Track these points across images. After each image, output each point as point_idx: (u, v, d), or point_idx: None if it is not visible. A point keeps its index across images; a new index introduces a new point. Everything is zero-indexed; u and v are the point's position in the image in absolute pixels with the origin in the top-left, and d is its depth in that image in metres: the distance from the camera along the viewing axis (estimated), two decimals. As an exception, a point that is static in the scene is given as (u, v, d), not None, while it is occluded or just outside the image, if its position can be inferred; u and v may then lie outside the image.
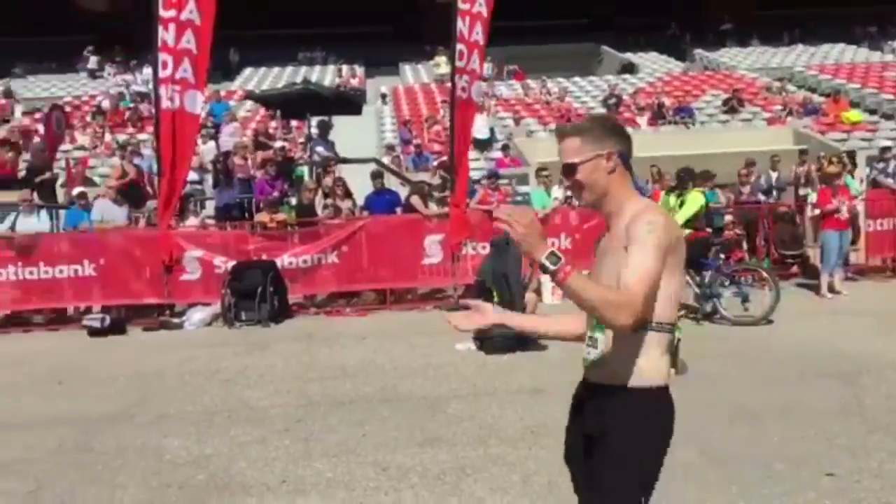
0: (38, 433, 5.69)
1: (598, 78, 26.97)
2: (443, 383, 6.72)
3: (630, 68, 29.10)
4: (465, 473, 4.55)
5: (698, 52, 31.01)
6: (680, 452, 4.71)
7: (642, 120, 20.45)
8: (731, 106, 21.35)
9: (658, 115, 20.56)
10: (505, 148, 17.36)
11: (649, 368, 2.34)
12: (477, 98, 10.99)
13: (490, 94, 21.50)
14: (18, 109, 23.36)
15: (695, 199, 9.25)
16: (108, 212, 11.06)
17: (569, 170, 2.48)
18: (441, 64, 25.69)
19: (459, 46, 10.61)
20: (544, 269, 2.23)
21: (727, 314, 9.01)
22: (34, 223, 10.93)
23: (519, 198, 14.20)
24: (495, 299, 7.93)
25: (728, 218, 12.02)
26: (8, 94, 24.56)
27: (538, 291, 9.68)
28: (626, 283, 2.24)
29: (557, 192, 11.82)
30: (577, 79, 26.38)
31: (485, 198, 11.72)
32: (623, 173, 2.46)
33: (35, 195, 11.78)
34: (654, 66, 29.84)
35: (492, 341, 7.74)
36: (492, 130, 19.06)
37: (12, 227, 10.84)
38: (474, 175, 15.66)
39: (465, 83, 10.71)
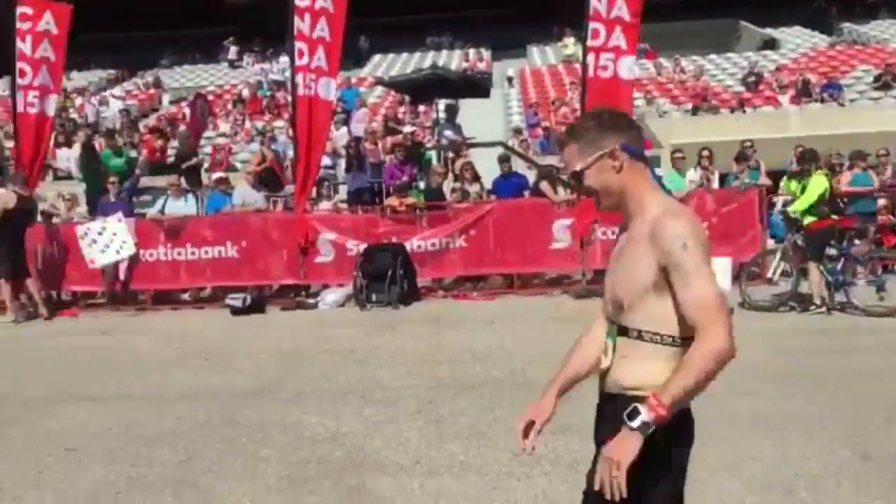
0: (188, 406, 6.02)
1: (736, 55, 25.76)
2: (573, 370, 6.60)
3: (771, 44, 27.62)
4: (600, 463, 4.45)
5: (846, 25, 29.04)
6: (834, 453, 4.47)
7: (784, 98, 19.37)
8: (885, 82, 19.85)
9: (803, 93, 19.40)
10: (638, 128, 16.85)
11: (663, 377, 2.14)
12: (626, 76, 10.41)
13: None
14: (166, 99, 24.82)
15: (818, 184, 8.61)
16: (248, 196, 11.57)
17: (576, 179, 2.31)
18: (569, 45, 25.26)
19: (594, 25, 10.25)
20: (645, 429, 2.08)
21: (859, 304, 8.44)
22: (182, 206, 11.59)
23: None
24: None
25: (881, 202, 11.21)
26: (156, 84, 26.14)
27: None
28: (702, 323, 2.09)
29: (693, 175, 11.37)
30: (713, 56, 25.30)
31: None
32: (635, 167, 2.27)
33: (182, 180, 12.49)
34: (797, 40, 28.16)
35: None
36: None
37: (162, 210, 11.55)
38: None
39: (606, 61, 10.32)
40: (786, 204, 9.80)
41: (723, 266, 10.18)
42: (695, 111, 19.20)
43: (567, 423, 5.18)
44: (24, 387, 6.90)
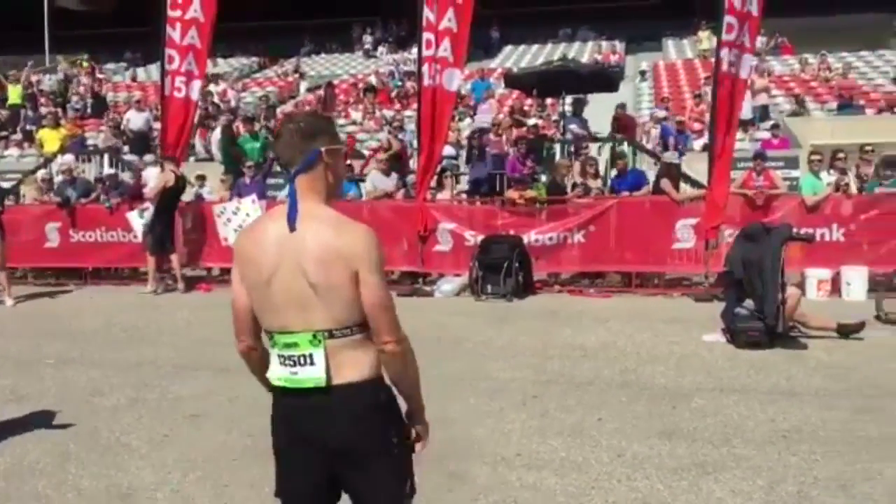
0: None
1: (890, 52, 24.08)
2: (687, 374, 6.44)
3: (930, 40, 25.65)
4: (705, 471, 4.34)
5: None
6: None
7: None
8: None
9: (963, 94, 17.94)
10: (774, 127, 16.10)
11: None
12: (745, 74, 10.21)
13: (761, 70, 19.99)
14: (303, 86, 25.78)
15: None
16: (379, 182, 11.94)
17: None
18: (703, 39, 24.41)
19: (728, 19, 9.90)
20: None
21: None
22: (311, 191, 12.05)
23: (786, 183, 13.16)
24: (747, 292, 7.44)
25: None
26: (297, 72, 27.19)
27: (801, 285, 8.95)
28: None
29: (829, 178, 10.76)
30: (864, 53, 23.76)
31: (748, 181, 10.96)
32: None
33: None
34: (960, 37, 26.05)
35: (745, 334, 7.29)
36: (764, 109, 17.76)
37: (292, 194, 12.05)
38: (735, 154, 14.77)
39: (732, 58, 10.00)
40: None
41: (858, 276, 9.66)
42: (839, 111, 18.13)
43: (675, 427, 5.10)
44: (159, 354, 7.41)
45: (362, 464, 2.32)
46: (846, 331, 7.50)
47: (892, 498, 3.99)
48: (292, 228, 2.26)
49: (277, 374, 2.35)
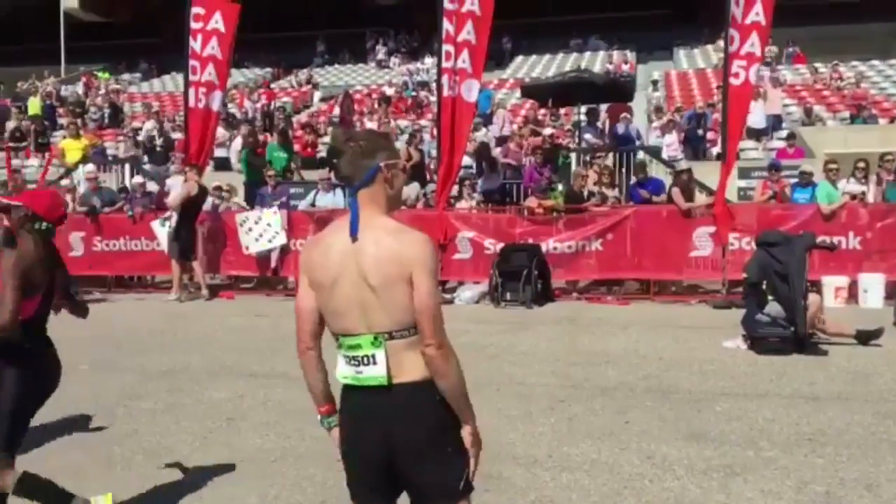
0: (337, 386, 6.41)
1: (901, 61, 24.18)
2: (710, 379, 6.56)
3: (942, 49, 25.67)
4: (734, 472, 4.46)
5: None
6: None
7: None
8: None
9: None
10: (790, 137, 16.22)
11: None
12: (755, 83, 10.41)
13: (775, 79, 20.12)
14: (317, 96, 26.02)
15: None
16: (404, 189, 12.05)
17: None
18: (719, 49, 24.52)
19: (731, 31, 10.13)
20: None
21: None
22: (331, 199, 12.23)
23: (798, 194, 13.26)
24: (769, 298, 7.55)
25: None
26: (309, 82, 27.43)
27: (819, 293, 9.06)
28: None
29: (846, 187, 10.87)
30: (875, 62, 23.85)
31: (763, 191, 11.08)
32: None
33: (332, 175, 13.13)
34: (972, 46, 26.07)
35: (765, 341, 7.41)
36: (777, 118, 17.88)
37: (313, 203, 12.22)
38: (750, 165, 14.89)
39: (739, 68, 10.17)
40: None
41: (875, 283, 9.76)
42: (852, 120, 18.23)
43: (702, 430, 5.22)
44: (190, 361, 7.58)
45: (420, 460, 2.45)
46: (864, 337, 7.60)
47: (918, 498, 4.11)
48: (354, 238, 2.43)
49: (344, 373, 2.52)
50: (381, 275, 2.39)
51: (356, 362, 2.46)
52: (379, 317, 2.42)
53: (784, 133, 16.98)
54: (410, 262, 2.39)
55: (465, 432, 2.53)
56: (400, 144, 15.52)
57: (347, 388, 2.53)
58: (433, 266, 2.44)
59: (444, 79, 10.99)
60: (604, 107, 17.32)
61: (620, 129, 15.49)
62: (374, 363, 2.44)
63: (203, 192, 11.85)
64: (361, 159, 2.48)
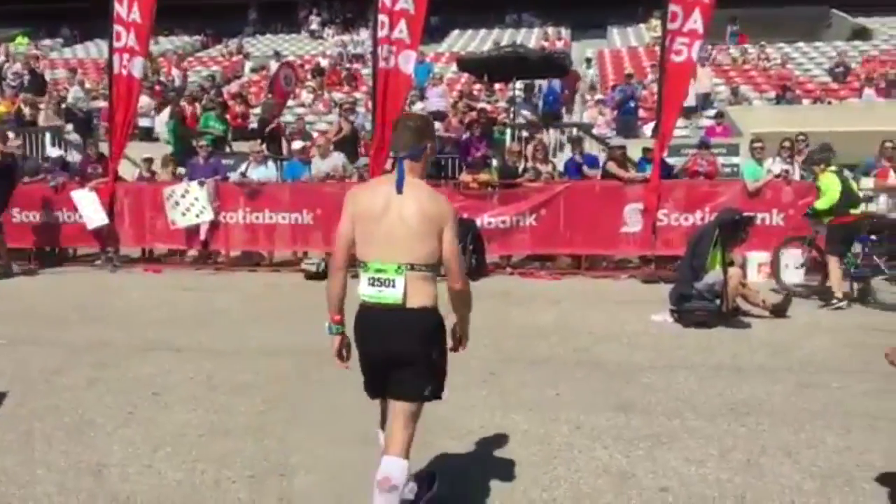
0: (265, 361, 6.34)
1: (824, 44, 24.95)
2: (637, 352, 6.69)
3: (862, 34, 26.61)
4: (661, 441, 4.56)
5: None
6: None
7: (870, 92, 18.73)
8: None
9: (894, 86, 18.72)
10: (718, 115, 16.59)
11: None
12: (697, 61, 10.55)
13: (703, 58, 20.52)
14: (247, 66, 25.40)
15: (831, 183, 8.77)
16: (324, 164, 11.86)
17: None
18: (656, 27, 24.85)
19: (673, 7, 10.21)
20: None
21: (880, 299, 8.59)
22: (263, 172, 11.97)
23: (728, 169, 13.61)
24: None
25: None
26: (240, 51, 26.74)
27: (742, 266, 9.35)
28: None
29: (771, 166, 11.19)
30: (800, 44, 24.56)
31: (692, 167, 11.32)
32: None
33: (264, 147, 12.87)
34: (892, 31, 27.07)
35: (691, 314, 7.60)
36: (706, 97, 18.25)
37: (244, 175, 11.94)
38: (679, 142, 15.16)
39: (681, 45, 10.29)
40: None
41: (794, 259, 10.09)
42: (777, 100, 18.75)
43: (630, 401, 5.32)
44: (114, 335, 7.34)
45: (406, 364, 3.22)
46: (779, 310, 7.95)
47: (833, 463, 4.27)
48: (399, 191, 3.21)
49: (366, 291, 3.24)
50: (418, 221, 3.16)
51: (379, 283, 3.18)
52: (405, 251, 3.16)
53: (713, 112, 17.36)
54: (444, 217, 3.20)
55: (464, 338, 3.56)
56: (333, 117, 15.34)
57: (366, 305, 3.26)
58: (456, 223, 3.29)
59: (380, 49, 10.80)
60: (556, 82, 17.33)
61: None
62: (394, 287, 3.16)
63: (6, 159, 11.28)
64: (413, 137, 3.29)
